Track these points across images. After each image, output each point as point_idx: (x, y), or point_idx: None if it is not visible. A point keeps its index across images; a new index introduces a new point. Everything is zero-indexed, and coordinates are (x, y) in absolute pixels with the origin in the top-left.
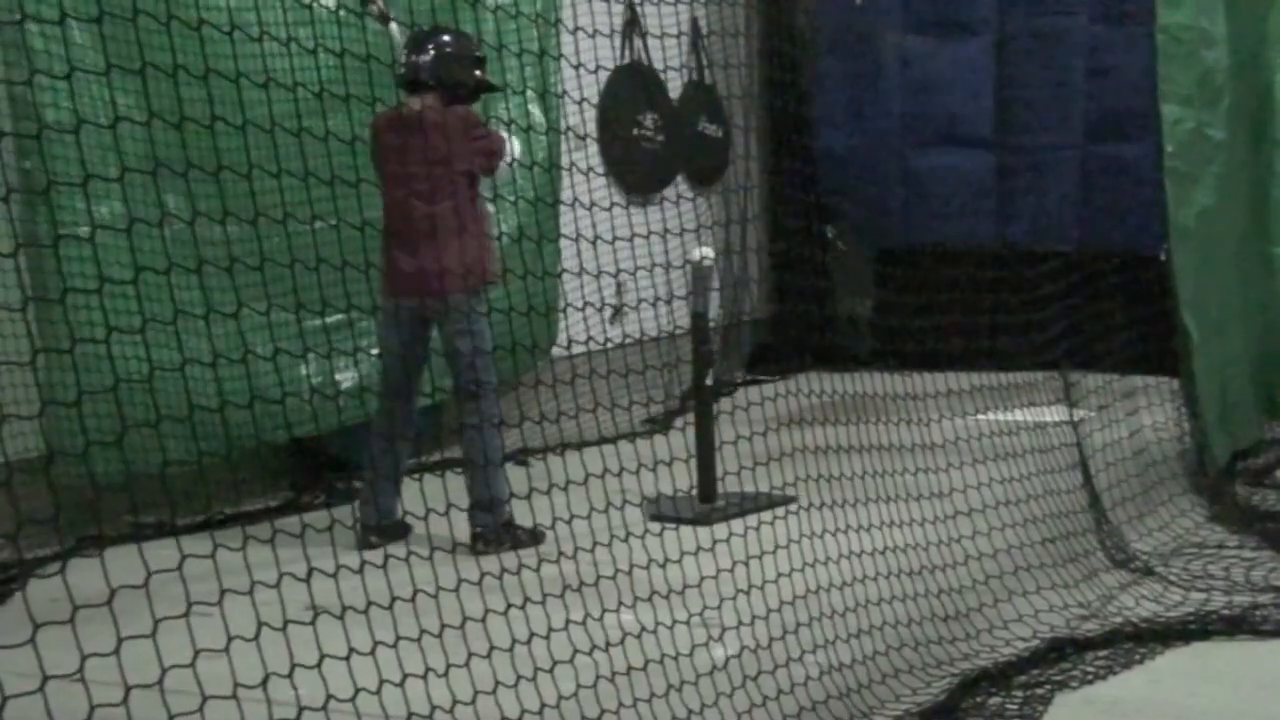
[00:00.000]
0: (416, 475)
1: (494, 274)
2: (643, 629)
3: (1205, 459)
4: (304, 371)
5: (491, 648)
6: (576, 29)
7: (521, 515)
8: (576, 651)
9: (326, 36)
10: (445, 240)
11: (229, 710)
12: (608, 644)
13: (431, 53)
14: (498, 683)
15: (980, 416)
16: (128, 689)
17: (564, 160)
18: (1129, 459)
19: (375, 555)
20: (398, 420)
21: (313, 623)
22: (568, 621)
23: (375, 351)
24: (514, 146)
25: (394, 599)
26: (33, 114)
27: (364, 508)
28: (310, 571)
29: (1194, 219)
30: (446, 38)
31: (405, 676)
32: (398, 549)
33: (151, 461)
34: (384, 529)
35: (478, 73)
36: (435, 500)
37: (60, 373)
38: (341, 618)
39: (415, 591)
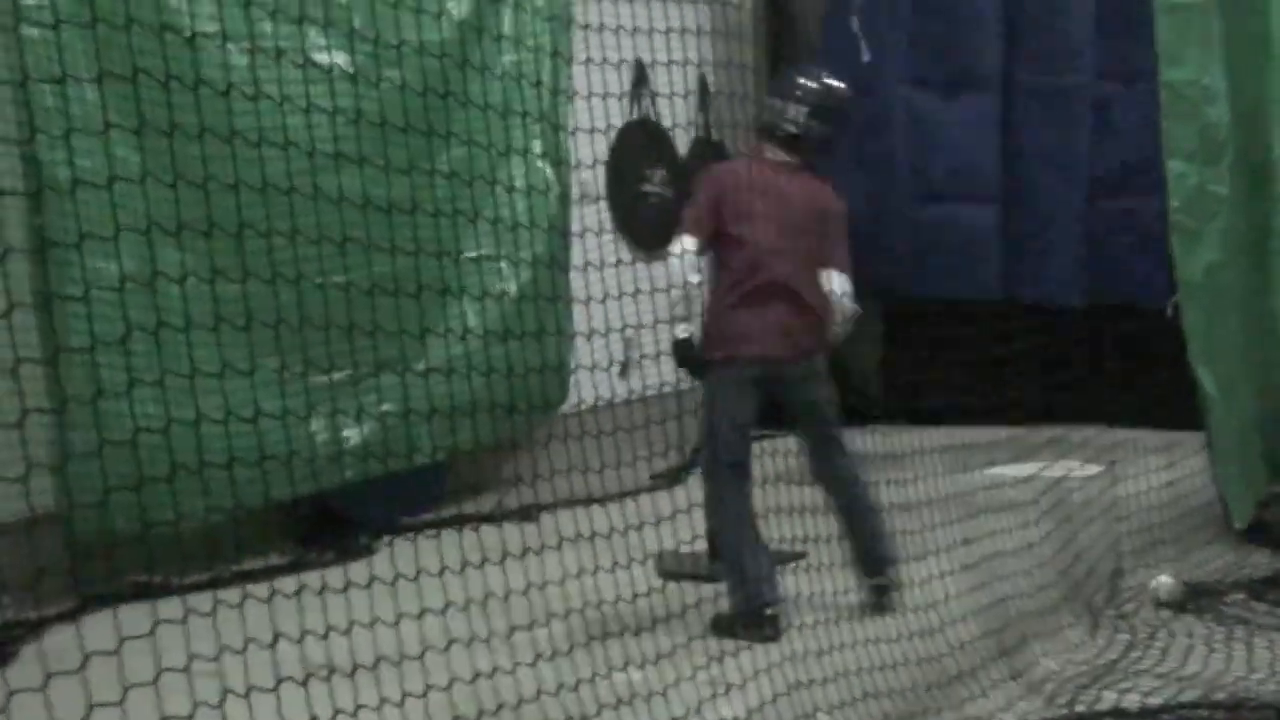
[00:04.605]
0: (433, 532)
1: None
2: (650, 691)
3: (1230, 514)
4: (312, 428)
5: (500, 704)
6: (590, 95)
7: (532, 573)
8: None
9: (340, 95)
10: (807, 305)
11: None
12: (618, 701)
13: (820, 115)
14: None
15: (988, 471)
16: None
17: (574, 221)
18: (1137, 513)
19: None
20: (748, 494)
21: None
22: (578, 680)
23: (385, 407)
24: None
25: (408, 654)
26: (49, 171)
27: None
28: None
29: (1201, 274)
30: (823, 92)
31: None
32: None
33: (157, 519)
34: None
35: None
36: (447, 557)
37: (67, 431)
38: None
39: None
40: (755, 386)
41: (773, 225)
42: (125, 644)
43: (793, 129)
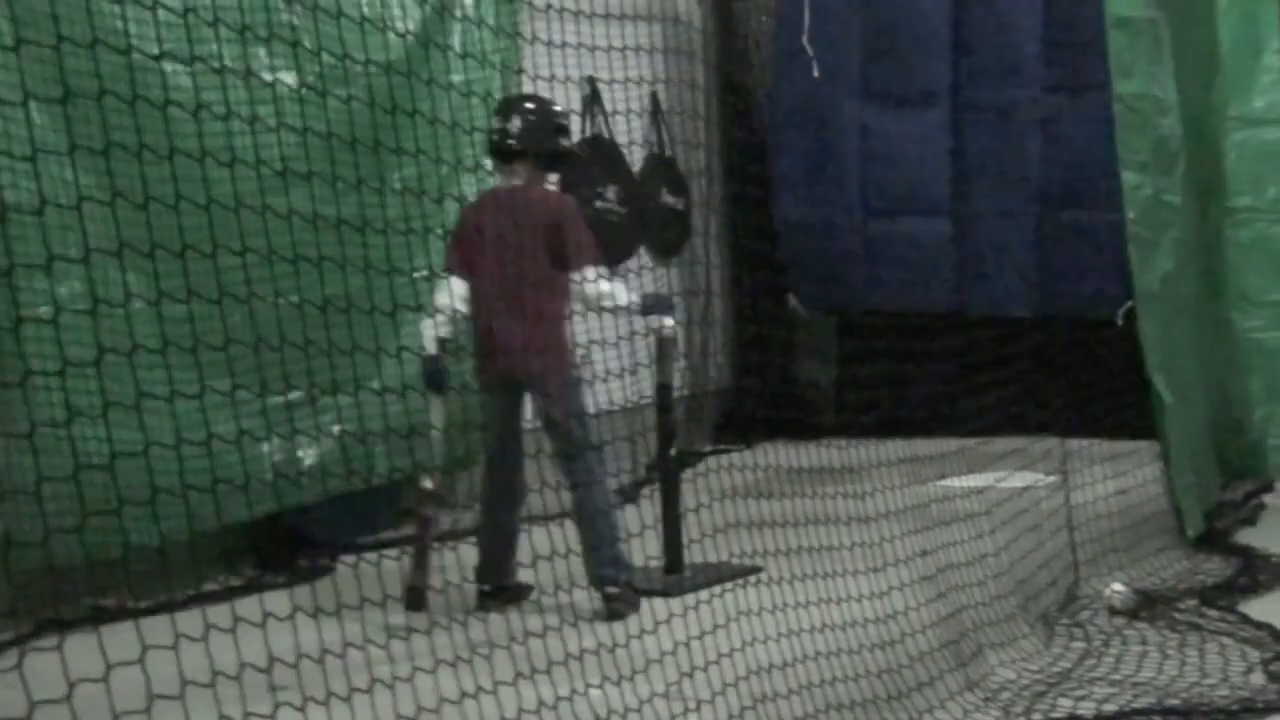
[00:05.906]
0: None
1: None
2: (610, 710)
3: (1183, 522)
4: (266, 449)
5: None
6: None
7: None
8: None
9: (288, 114)
10: (536, 320)
11: None
12: None
13: (521, 119)
14: None
15: (942, 482)
16: None
17: None
18: (1090, 522)
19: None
20: (507, 486)
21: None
22: (540, 702)
23: (337, 429)
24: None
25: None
26: None
27: (482, 571)
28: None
29: (1157, 283)
30: (532, 104)
31: None
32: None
33: (113, 544)
34: (504, 591)
35: (563, 141)
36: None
37: (19, 455)
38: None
39: (395, 678)
40: (511, 394)
41: (507, 253)
42: (76, 669)
43: (513, 141)
